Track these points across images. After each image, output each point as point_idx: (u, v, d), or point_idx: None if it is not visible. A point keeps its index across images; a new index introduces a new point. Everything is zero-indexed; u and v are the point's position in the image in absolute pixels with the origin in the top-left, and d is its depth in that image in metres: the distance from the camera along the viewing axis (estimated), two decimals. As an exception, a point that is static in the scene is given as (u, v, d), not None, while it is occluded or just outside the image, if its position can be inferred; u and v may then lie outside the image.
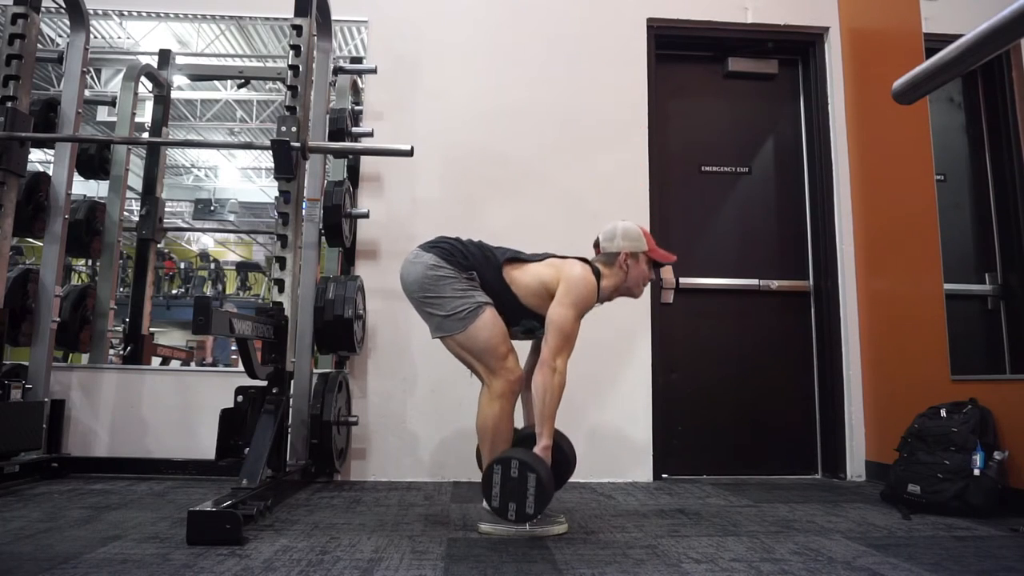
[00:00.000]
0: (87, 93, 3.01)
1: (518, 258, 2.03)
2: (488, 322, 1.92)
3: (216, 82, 6.53)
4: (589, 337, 2.99)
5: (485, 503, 1.91)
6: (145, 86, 3.63)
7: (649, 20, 3.29)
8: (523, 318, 2.01)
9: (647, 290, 3.09)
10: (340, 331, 2.68)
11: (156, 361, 5.73)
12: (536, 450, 1.87)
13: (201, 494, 2.41)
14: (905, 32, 2.88)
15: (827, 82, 3.35)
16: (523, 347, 2.11)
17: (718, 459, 3.15)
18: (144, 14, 3.49)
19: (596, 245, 2.12)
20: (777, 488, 2.81)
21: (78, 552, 1.61)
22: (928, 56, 0.99)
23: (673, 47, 3.38)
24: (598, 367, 3.03)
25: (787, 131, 3.46)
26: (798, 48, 3.45)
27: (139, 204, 3.69)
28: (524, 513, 1.80)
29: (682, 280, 3.21)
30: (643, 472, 2.98)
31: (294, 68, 2.52)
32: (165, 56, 3.68)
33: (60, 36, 4.35)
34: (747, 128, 3.43)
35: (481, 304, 1.93)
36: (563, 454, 2.06)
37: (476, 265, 1.96)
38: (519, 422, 2.08)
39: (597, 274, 2.02)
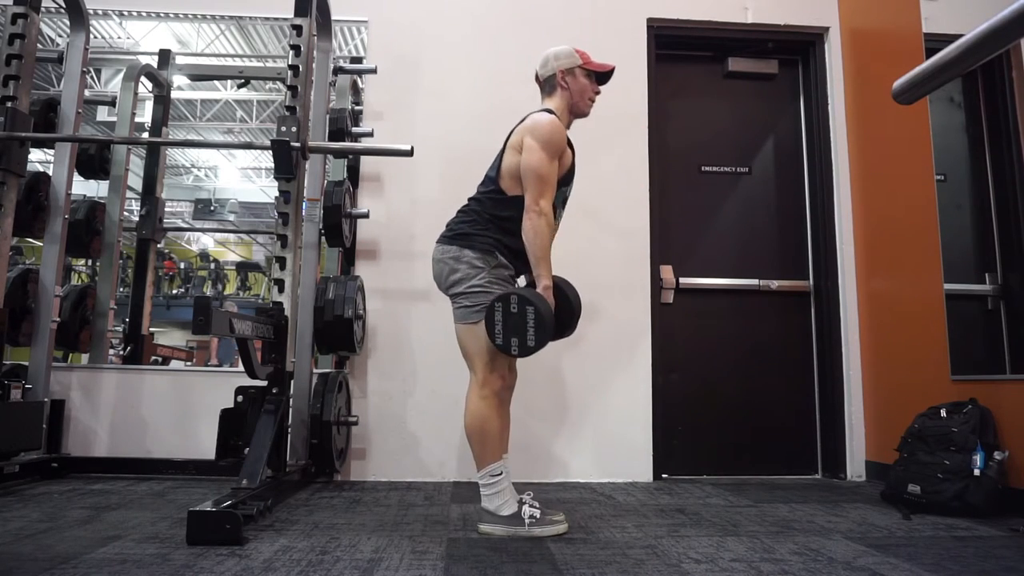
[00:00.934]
0: (87, 93, 3.01)
1: (489, 174, 2.07)
2: None
3: (216, 82, 6.53)
4: (589, 337, 3.02)
5: (485, 502, 1.91)
6: (145, 86, 3.63)
7: (649, 20, 3.29)
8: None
9: (647, 290, 3.10)
10: (340, 331, 2.68)
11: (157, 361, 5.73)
12: (537, 290, 1.90)
13: (201, 494, 2.41)
14: (905, 32, 2.88)
15: (827, 82, 3.35)
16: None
17: (718, 459, 3.15)
18: (144, 14, 3.49)
19: (537, 80, 2.13)
20: (777, 488, 2.81)
21: (78, 552, 1.61)
22: (928, 56, 1.00)
23: (673, 47, 3.38)
24: (598, 367, 3.03)
25: (787, 131, 3.45)
26: (798, 48, 3.45)
27: (139, 204, 3.69)
28: (526, 347, 1.82)
29: (682, 280, 3.21)
30: (643, 472, 2.98)
31: (294, 68, 2.52)
32: (165, 56, 3.68)
33: (60, 36, 4.35)
34: (747, 128, 3.43)
35: None
36: (564, 295, 2.04)
37: (486, 229, 1.97)
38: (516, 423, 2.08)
39: (548, 111, 2.03)
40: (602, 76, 2.11)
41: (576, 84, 2.07)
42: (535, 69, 2.12)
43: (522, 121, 2.03)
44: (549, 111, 2.03)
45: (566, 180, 2.04)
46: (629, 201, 3.15)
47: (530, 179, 1.92)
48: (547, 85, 2.10)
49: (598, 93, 2.12)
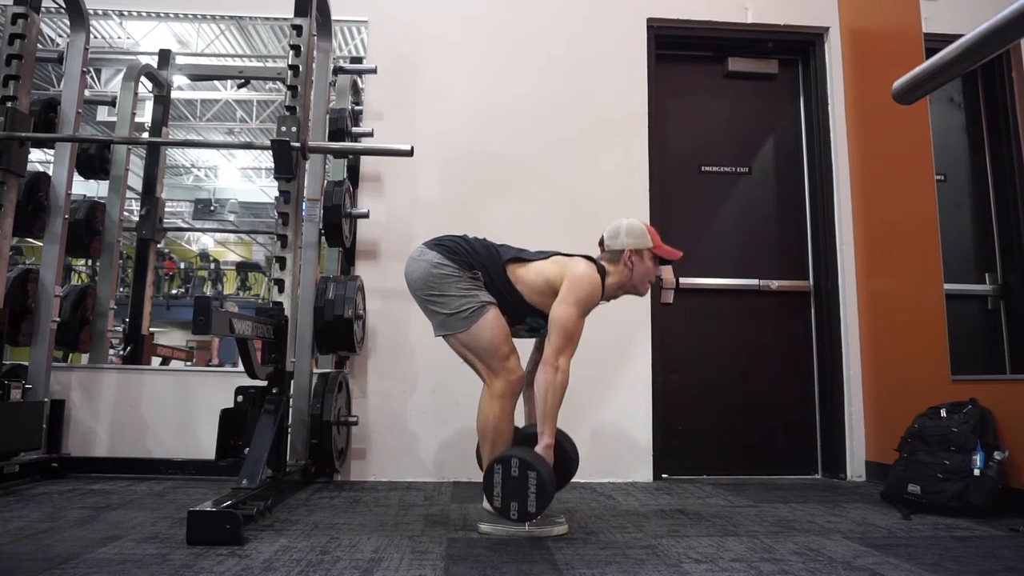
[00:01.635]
0: (87, 93, 3.01)
1: (522, 256, 2.03)
2: (491, 322, 1.92)
3: (216, 82, 6.53)
4: (590, 337, 2.99)
5: (485, 503, 1.91)
6: (145, 86, 3.63)
7: (649, 20, 3.29)
8: (527, 316, 2.01)
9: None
10: (340, 331, 2.68)
11: (156, 361, 5.73)
12: (538, 449, 1.87)
13: (201, 494, 2.41)
14: (905, 32, 2.88)
15: (827, 82, 3.35)
16: (524, 346, 2.11)
17: (718, 459, 3.15)
18: (144, 14, 3.49)
19: (601, 243, 2.12)
20: (777, 488, 2.81)
21: (78, 552, 1.61)
22: (928, 56, 0.99)
23: (673, 47, 3.38)
24: (598, 367, 3.03)
25: (787, 131, 3.45)
26: (798, 48, 3.45)
27: (139, 204, 3.69)
28: (526, 512, 1.80)
29: (682, 280, 3.21)
30: (643, 472, 2.98)
31: (294, 68, 2.52)
32: (165, 56, 3.68)
33: (60, 36, 4.35)
34: (747, 128, 3.43)
35: (485, 303, 1.93)
36: (565, 453, 2.06)
37: (481, 263, 1.96)
38: (519, 421, 2.08)
39: (602, 272, 2.01)
40: (666, 261, 2.09)
41: (641, 266, 2.04)
42: (602, 234, 2.09)
43: (571, 256, 2.01)
44: (602, 270, 2.00)
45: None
46: (629, 201, 3.15)
47: (556, 332, 1.89)
48: (612, 255, 2.06)
49: (659, 276, 2.09)
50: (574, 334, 1.91)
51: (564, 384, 1.89)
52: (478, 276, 1.95)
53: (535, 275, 1.98)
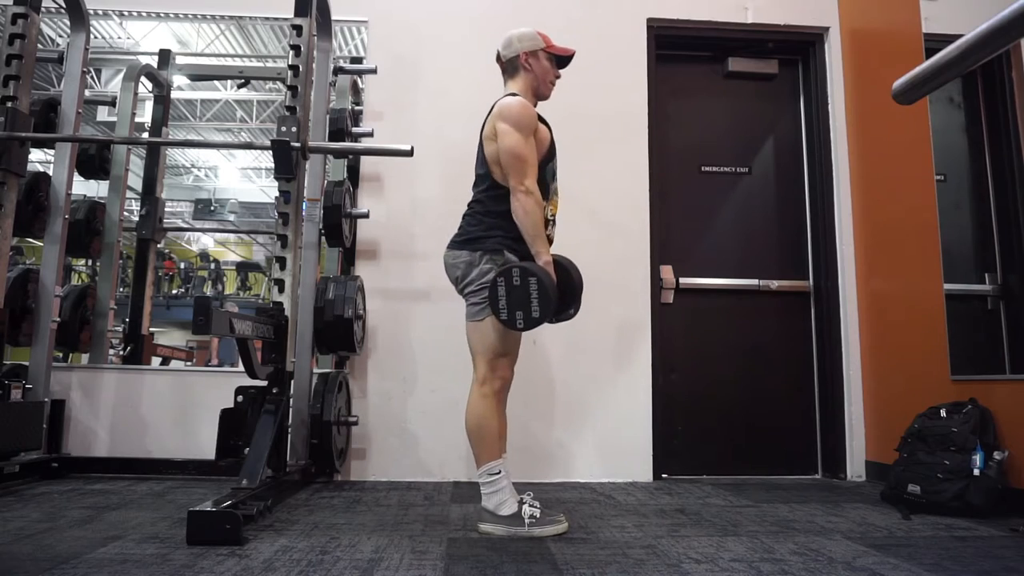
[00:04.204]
0: (87, 93, 3.01)
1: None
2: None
3: (216, 82, 6.53)
4: (589, 337, 3.03)
5: (485, 502, 1.91)
6: (145, 86, 3.63)
7: (649, 20, 3.29)
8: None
9: (647, 290, 3.10)
10: (340, 331, 2.68)
11: (156, 361, 5.74)
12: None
13: (201, 494, 2.40)
14: (905, 32, 2.88)
15: (827, 82, 3.34)
16: (523, 351, 2.10)
17: (718, 459, 3.15)
18: (144, 14, 3.49)
19: (498, 59, 2.14)
20: (777, 488, 2.81)
21: (78, 552, 1.61)
22: (928, 56, 1.00)
23: (673, 47, 3.38)
24: (598, 367, 3.03)
25: (787, 131, 3.45)
26: (798, 48, 3.45)
27: (139, 204, 3.69)
28: (531, 318, 1.81)
29: (682, 280, 3.21)
30: (643, 472, 2.98)
31: (294, 68, 2.52)
32: (165, 56, 3.68)
33: (60, 36, 4.35)
34: (747, 128, 3.43)
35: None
36: (564, 270, 2.03)
37: (491, 229, 1.98)
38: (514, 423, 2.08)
39: (513, 95, 2.04)
40: (562, 60, 2.13)
41: (539, 67, 2.09)
42: (497, 49, 2.13)
43: (490, 111, 2.04)
44: (514, 95, 2.04)
45: (550, 156, 2.05)
46: (629, 201, 3.15)
47: (510, 162, 1.93)
48: (510, 67, 2.11)
49: (558, 77, 2.13)
50: (527, 155, 1.93)
51: (537, 203, 1.91)
52: (510, 260, 1.95)
53: (493, 165, 1.99)
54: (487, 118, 2.05)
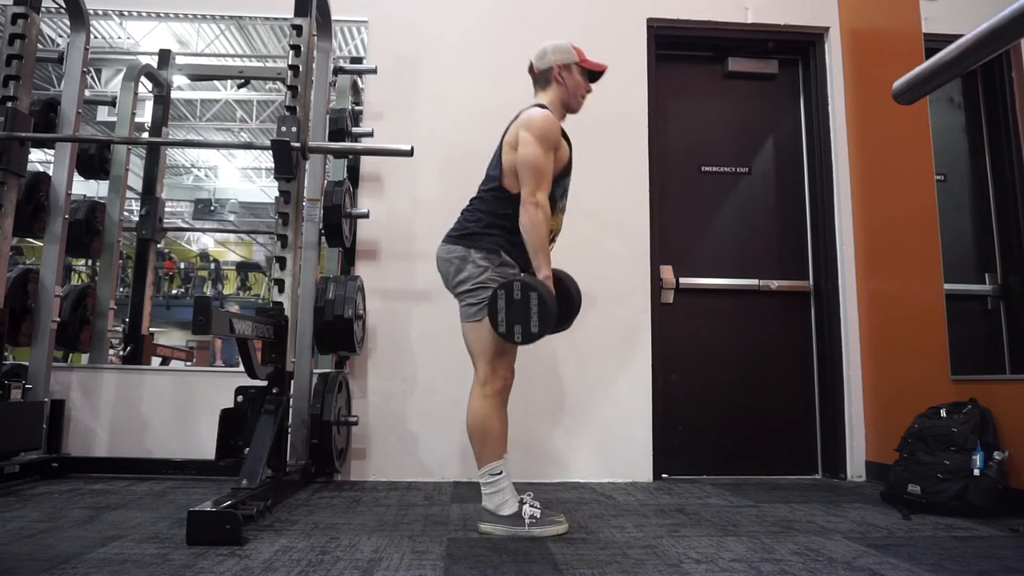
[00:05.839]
0: (87, 93, 3.01)
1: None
2: None
3: (216, 82, 6.53)
4: (590, 337, 3.02)
5: (485, 502, 1.91)
6: (145, 86, 3.63)
7: (649, 20, 3.29)
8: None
9: (647, 290, 3.10)
10: (340, 331, 2.68)
11: (156, 361, 5.74)
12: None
13: (201, 494, 2.40)
14: (905, 32, 2.88)
15: (827, 82, 3.34)
16: (523, 351, 2.10)
17: (718, 459, 3.15)
18: (144, 14, 3.49)
19: (531, 70, 2.14)
20: (777, 488, 2.81)
21: (78, 552, 1.61)
22: (928, 56, 0.99)
23: (673, 47, 3.38)
24: (598, 367, 3.03)
25: (787, 131, 3.45)
26: (798, 48, 3.45)
27: (139, 204, 3.69)
28: (530, 333, 1.81)
29: (682, 280, 3.21)
30: (643, 472, 2.98)
31: (294, 68, 2.52)
32: (165, 56, 3.68)
33: (60, 36, 4.35)
34: (747, 128, 3.43)
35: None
36: (564, 285, 2.04)
37: (489, 228, 1.98)
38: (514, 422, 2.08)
39: (542, 106, 2.04)
40: (595, 75, 2.13)
41: (571, 80, 2.08)
42: (530, 60, 2.13)
43: (516, 118, 2.04)
44: (542, 106, 2.04)
45: (565, 172, 2.05)
46: (629, 201, 3.15)
47: (526, 172, 1.93)
48: (542, 78, 2.11)
49: (589, 91, 2.14)
50: (544, 169, 1.93)
51: (546, 218, 1.92)
52: (500, 255, 1.96)
53: (507, 172, 2.00)
54: (511, 124, 2.05)
